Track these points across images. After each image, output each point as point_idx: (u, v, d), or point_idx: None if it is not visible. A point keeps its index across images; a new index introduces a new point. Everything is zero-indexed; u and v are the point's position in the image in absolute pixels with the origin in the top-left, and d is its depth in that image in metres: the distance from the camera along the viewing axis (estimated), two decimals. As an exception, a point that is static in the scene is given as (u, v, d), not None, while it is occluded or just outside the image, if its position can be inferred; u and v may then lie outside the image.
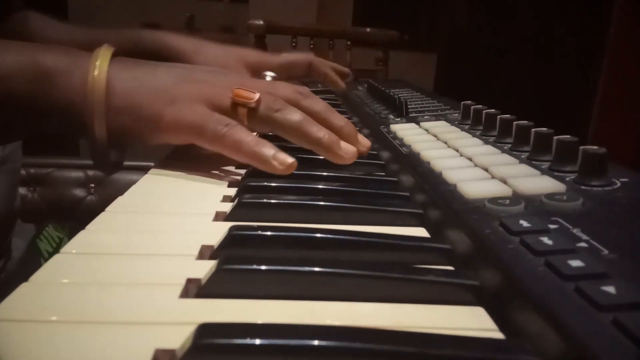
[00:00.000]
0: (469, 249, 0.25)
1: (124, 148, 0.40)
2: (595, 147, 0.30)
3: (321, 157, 0.43)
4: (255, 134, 0.38)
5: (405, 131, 0.48)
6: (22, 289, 0.21)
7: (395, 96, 0.62)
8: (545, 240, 0.22)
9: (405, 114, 0.58)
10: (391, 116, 0.59)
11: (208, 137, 0.37)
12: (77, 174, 1.27)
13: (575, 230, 0.24)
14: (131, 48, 0.64)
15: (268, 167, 0.35)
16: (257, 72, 0.67)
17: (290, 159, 0.35)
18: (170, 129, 0.37)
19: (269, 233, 0.25)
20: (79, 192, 1.27)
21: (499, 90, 2.26)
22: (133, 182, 0.36)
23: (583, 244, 0.22)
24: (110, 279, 0.22)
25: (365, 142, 0.42)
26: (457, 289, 0.21)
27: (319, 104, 0.42)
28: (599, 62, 2.25)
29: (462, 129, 0.47)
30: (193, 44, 0.64)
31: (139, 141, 0.38)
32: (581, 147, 0.31)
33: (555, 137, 0.33)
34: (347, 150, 0.39)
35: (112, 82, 0.37)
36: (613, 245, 0.22)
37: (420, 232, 0.29)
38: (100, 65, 0.36)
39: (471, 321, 0.20)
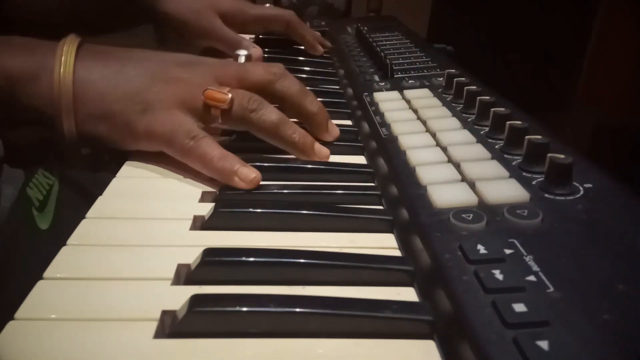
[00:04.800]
0: (429, 274, 0.26)
1: (97, 150, 0.40)
2: (562, 157, 0.31)
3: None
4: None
5: (387, 104, 0.48)
6: (9, 328, 0.23)
7: (382, 54, 0.61)
8: (497, 274, 0.24)
9: (390, 76, 0.57)
10: (376, 77, 0.58)
11: (177, 150, 0.37)
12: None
13: (528, 258, 0.25)
14: None
15: (231, 183, 0.35)
16: (231, 22, 0.65)
17: (252, 175, 0.35)
18: (143, 139, 0.37)
19: (240, 258, 0.26)
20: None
21: (496, 17, 2.18)
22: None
23: (532, 278, 0.24)
24: (87, 314, 0.24)
25: (334, 131, 0.43)
26: (411, 323, 0.23)
27: (292, 87, 0.42)
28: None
29: (444, 102, 0.47)
30: None
31: (113, 147, 0.38)
32: (548, 155, 0.31)
33: (526, 137, 0.34)
34: (321, 154, 0.40)
35: (80, 86, 0.36)
36: (560, 278, 0.23)
37: (389, 239, 0.31)
38: (66, 65, 0.35)
39: (421, 358, 0.22)
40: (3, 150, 0.83)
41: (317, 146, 0.40)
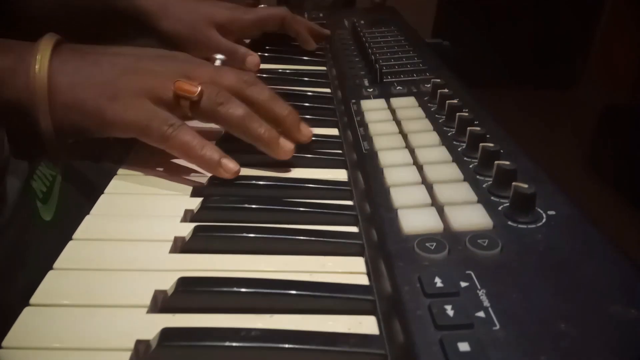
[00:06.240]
0: (389, 304, 0.28)
1: (75, 140, 0.41)
2: (525, 186, 0.32)
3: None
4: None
5: (373, 114, 0.49)
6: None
7: (373, 57, 0.62)
8: (448, 310, 0.25)
9: (379, 81, 0.58)
10: (366, 81, 0.59)
11: (154, 137, 0.38)
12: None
13: (481, 292, 0.27)
14: (101, 9, 0.63)
15: (214, 172, 0.38)
16: (228, 31, 0.66)
17: (236, 167, 0.38)
18: (115, 126, 0.38)
19: (212, 289, 0.28)
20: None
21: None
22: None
23: (481, 314, 0.25)
24: (69, 342, 0.26)
25: (306, 131, 0.44)
26: (366, 356, 0.25)
27: (263, 93, 0.43)
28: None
29: (428, 113, 0.48)
30: (162, 3, 0.62)
31: (88, 136, 0.39)
32: (513, 184, 0.32)
33: (495, 162, 0.35)
34: (285, 147, 0.41)
35: (54, 78, 0.37)
36: (507, 315, 0.25)
37: (359, 264, 0.32)
38: (42, 59, 0.37)
39: (372, 391, 0.24)
40: (8, 146, 0.85)
41: (282, 140, 0.42)
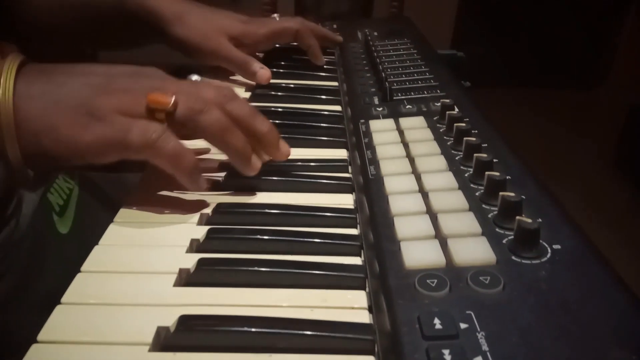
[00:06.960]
0: (387, 345, 0.28)
1: (47, 169, 0.40)
2: (529, 221, 0.31)
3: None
4: None
5: (381, 135, 0.49)
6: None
7: (383, 74, 0.61)
8: (446, 355, 0.25)
9: (389, 99, 0.58)
10: (376, 99, 0.59)
11: (136, 147, 0.36)
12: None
13: (480, 335, 0.26)
14: (114, 12, 0.63)
15: (191, 187, 0.39)
16: (241, 44, 0.66)
17: (205, 185, 0.41)
18: (93, 150, 0.36)
19: (213, 328, 0.28)
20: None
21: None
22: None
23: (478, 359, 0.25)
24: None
25: (285, 150, 0.44)
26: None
27: (243, 108, 0.42)
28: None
29: (436, 134, 0.48)
30: (177, 9, 0.63)
31: (60, 164, 0.37)
32: (517, 218, 0.32)
33: (500, 193, 0.35)
34: (255, 166, 0.41)
35: (21, 102, 0.35)
36: (506, 360, 0.25)
37: (361, 298, 0.32)
38: (6, 83, 0.35)
39: None
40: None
41: (254, 158, 0.41)
